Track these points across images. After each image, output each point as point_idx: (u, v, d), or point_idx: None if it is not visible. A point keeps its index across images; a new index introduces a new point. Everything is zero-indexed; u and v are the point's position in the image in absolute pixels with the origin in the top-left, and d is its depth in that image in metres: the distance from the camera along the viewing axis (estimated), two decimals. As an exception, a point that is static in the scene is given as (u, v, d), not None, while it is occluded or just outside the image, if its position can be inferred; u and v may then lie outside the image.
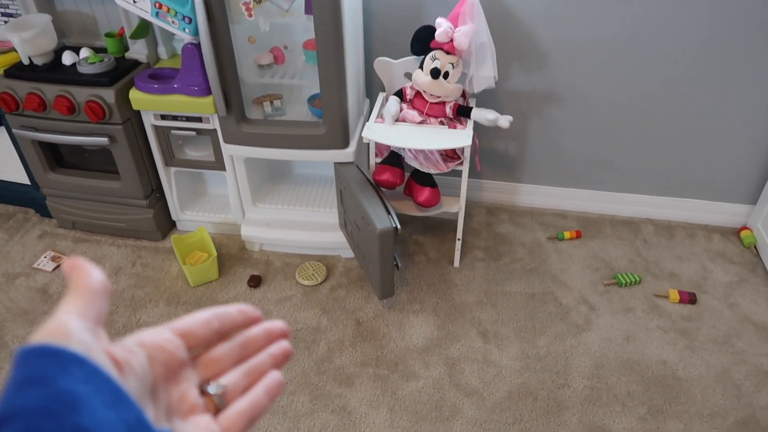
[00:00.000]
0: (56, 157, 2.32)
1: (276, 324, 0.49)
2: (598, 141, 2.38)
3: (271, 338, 0.48)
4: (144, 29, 2.03)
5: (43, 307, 2.14)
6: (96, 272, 0.40)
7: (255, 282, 2.23)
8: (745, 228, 2.43)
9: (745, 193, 2.40)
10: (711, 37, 2.04)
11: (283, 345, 0.48)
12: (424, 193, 2.06)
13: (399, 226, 1.87)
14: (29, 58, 2.08)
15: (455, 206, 2.16)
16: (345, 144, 2.05)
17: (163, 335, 0.42)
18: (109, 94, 2.03)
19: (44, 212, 2.53)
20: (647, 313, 2.10)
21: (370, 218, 1.87)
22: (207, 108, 2.04)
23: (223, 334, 0.46)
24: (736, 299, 2.15)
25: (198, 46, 1.94)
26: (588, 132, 2.36)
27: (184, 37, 1.92)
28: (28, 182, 2.47)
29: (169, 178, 2.33)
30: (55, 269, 2.30)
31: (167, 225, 2.47)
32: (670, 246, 2.40)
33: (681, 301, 2.13)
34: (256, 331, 0.48)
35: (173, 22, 1.87)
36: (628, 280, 2.20)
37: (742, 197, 2.41)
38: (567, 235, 2.42)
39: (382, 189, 2.05)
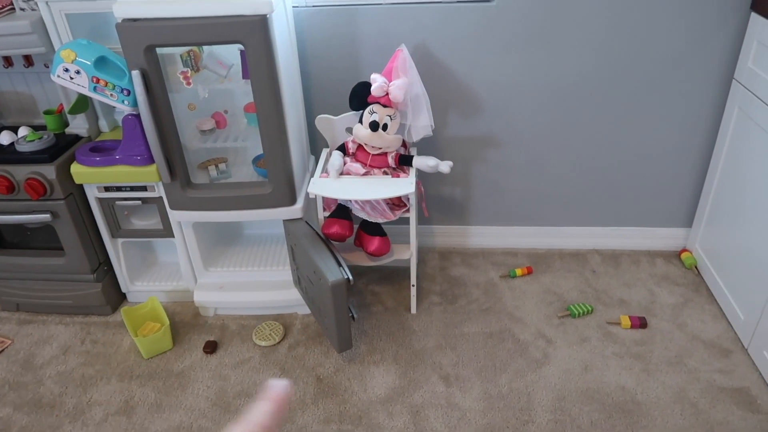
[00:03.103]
0: (-3, 238, 2.27)
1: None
2: (539, 178, 2.48)
3: None
4: (83, 104, 2.05)
5: (-14, 395, 2.04)
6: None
7: (211, 348, 2.18)
8: (685, 250, 2.54)
9: (681, 217, 2.52)
10: (636, 66, 2.19)
11: None
12: (374, 243, 2.09)
13: (351, 277, 1.88)
14: (-35, 141, 2.06)
15: (407, 253, 2.19)
16: (292, 201, 2.07)
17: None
18: (49, 170, 2.01)
19: (-14, 296, 2.44)
20: (602, 341, 2.15)
21: (322, 272, 1.88)
22: (151, 176, 2.04)
23: None
24: (683, 319, 2.22)
25: (138, 116, 1.96)
26: (528, 170, 2.46)
27: (123, 109, 1.94)
28: (-32, 266, 2.38)
29: (116, 250, 2.30)
30: (-2, 355, 2.20)
31: (117, 298, 2.41)
32: (617, 274, 2.48)
33: (633, 327, 2.19)
34: None
35: (111, 95, 1.90)
36: (581, 311, 2.25)
37: (678, 221, 2.53)
38: (519, 272, 2.48)
39: (333, 242, 2.07)
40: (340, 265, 1.91)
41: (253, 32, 1.72)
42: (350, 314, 1.99)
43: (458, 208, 2.60)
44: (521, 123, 2.34)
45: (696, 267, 2.45)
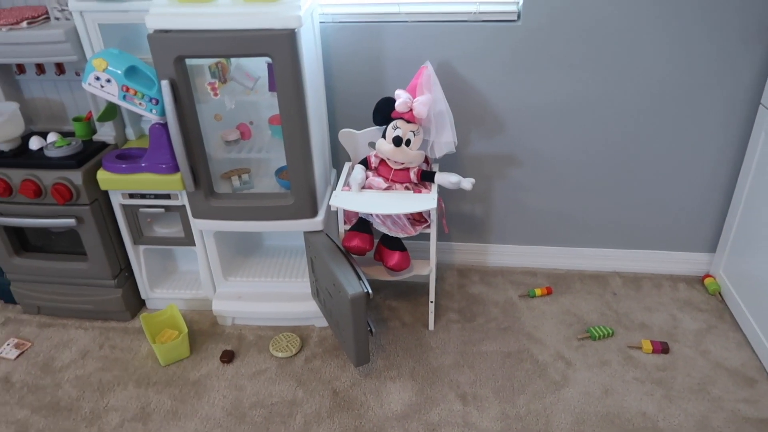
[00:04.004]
0: (21, 241, 2.30)
1: None
2: (562, 198, 2.46)
3: None
4: (111, 112, 2.08)
5: (5, 397, 2.05)
6: None
7: (228, 357, 2.18)
8: (708, 276, 2.49)
9: (704, 242, 2.48)
10: (661, 92, 2.17)
11: None
12: (394, 258, 2.08)
13: (370, 291, 1.88)
14: (-4, 145, 2.10)
15: (426, 269, 2.18)
16: (313, 213, 2.08)
17: None
18: (76, 176, 2.05)
19: (8, 298, 2.47)
20: (622, 365, 2.11)
21: (342, 284, 1.87)
22: (175, 185, 2.06)
23: None
24: (707, 346, 2.18)
25: (165, 125, 1.99)
26: (551, 190, 2.45)
27: (151, 117, 1.97)
28: (-8, 268, 2.42)
29: (138, 257, 2.32)
30: (18, 357, 2.22)
31: (136, 304, 2.43)
32: (638, 297, 2.44)
33: (654, 351, 2.15)
34: None
35: (140, 104, 1.93)
36: (601, 333, 2.22)
37: (702, 246, 2.49)
38: (538, 292, 2.45)
39: (353, 255, 2.07)
40: (360, 278, 1.90)
41: (281, 46, 1.74)
42: (369, 328, 1.98)
43: (478, 226, 2.59)
44: (544, 142, 2.33)
45: (719, 293, 2.41)
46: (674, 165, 2.32)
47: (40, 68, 2.20)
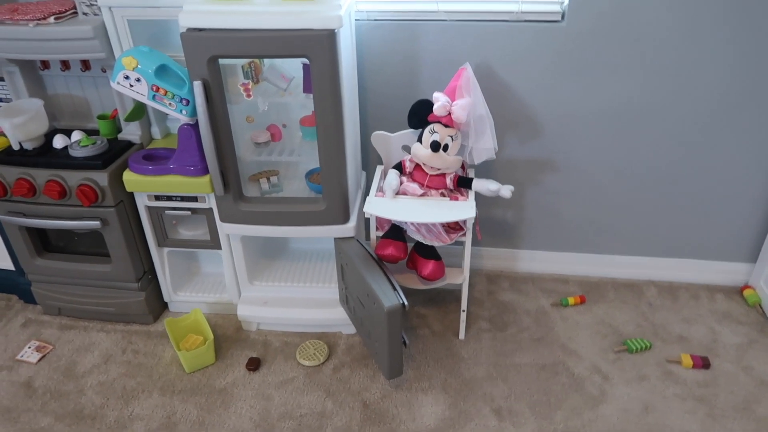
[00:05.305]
0: (43, 241, 2.24)
1: None
2: (595, 205, 2.39)
3: None
4: (139, 111, 2.01)
5: (28, 403, 2.00)
6: None
7: (254, 365, 2.12)
8: (747, 287, 2.42)
9: (744, 251, 2.40)
10: (704, 99, 2.09)
11: None
12: (429, 267, 2.02)
13: (406, 303, 1.81)
14: (19, 143, 2.04)
15: (459, 278, 2.12)
16: (345, 219, 2.01)
17: None
18: (102, 177, 1.98)
19: (28, 299, 2.42)
20: (662, 380, 2.04)
21: (376, 295, 1.81)
22: (203, 187, 2.00)
23: None
24: (749, 362, 2.10)
25: (194, 126, 1.92)
26: (585, 197, 2.37)
27: (180, 118, 1.90)
28: (12, 268, 2.37)
29: (162, 259, 2.26)
30: (40, 360, 2.17)
31: (159, 307, 2.37)
32: (675, 308, 2.37)
33: (694, 366, 2.08)
34: None
35: (170, 104, 1.86)
36: (639, 346, 2.15)
37: (742, 256, 2.41)
38: (571, 300, 2.38)
39: (386, 264, 2.00)
40: (395, 288, 1.84)
41: (320, 47, 1.66)
42: (402, 340, 1.91)
43: (509, 231, 2.51)
44: (580, 148, 2.25)
45: (760, 305, 2.33)
46: (717, 173, 2.24)
47: (65, 64, 2.13)
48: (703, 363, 2.08)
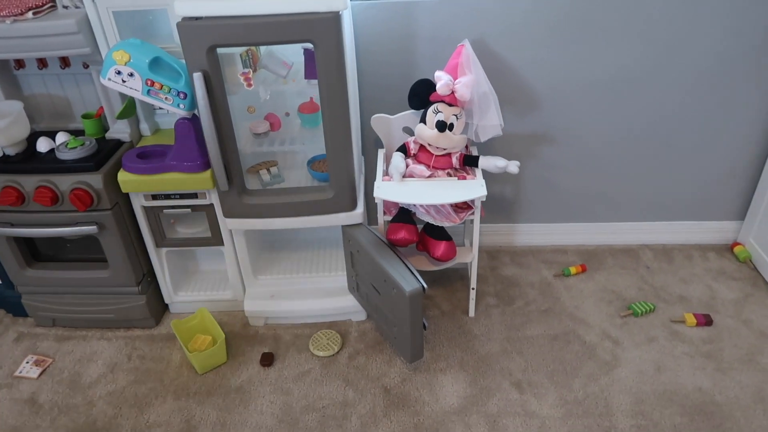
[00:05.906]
0: (32, 251, 2.13)
1: None
2: (590, 175, 2.42)
3: None
4: (131, 108, 1.92)
5: (35, 420, 1.91)
6: None
7: (268, 360, 2.08)
8: (737, 243, 2.51)
9: (733, 209, 2.49)
10: (697, 60, 2.13)
11: None
12: (441, 247, 2.01)
13: (425, 286, 1.81)
14: (1, 149, 1.92)
15: (468, 256, 2.12)
16: (353, 206, 1.98)
17: None
18: (96, 180, 1.89)
19: (18, 311, 2.30)
20: (669, 340, 2.11)
21: (395, 281, 1.79)
22: (205, 183, 1.93)
23: None
24: (747, 315, 2.19)
25: (191, 120, 1.84)
26: (580, 167, 2.40)
27: (178, 112, 1.82)
28: (-1, 281, 2.25)
29: (160, 260, 2.18)
30: (41, 374, 2.07)
31: (160, 310, 2.30)
32: (671, 270, 2.44)
33: (698, 324, 2.15)
34: None
35: (166, 98, 1.77)
36: (644, 309, 2.21)
37: (731, 214, 2.50)
38: (573, 270, 2.42)
39: (398, 248, 1.98)
40: (412, 272, 1.82)
41: (325, 30, 1.61)
42: (422, 324, 1.91)
43: (506, 206, 2.53)
44: (575, 119, 2.27)
45: (751, 260, 2.43)
46: (707, 136, 2.30)
47: (42, 62, 2.00)
48: (705, 320, 2.16)
